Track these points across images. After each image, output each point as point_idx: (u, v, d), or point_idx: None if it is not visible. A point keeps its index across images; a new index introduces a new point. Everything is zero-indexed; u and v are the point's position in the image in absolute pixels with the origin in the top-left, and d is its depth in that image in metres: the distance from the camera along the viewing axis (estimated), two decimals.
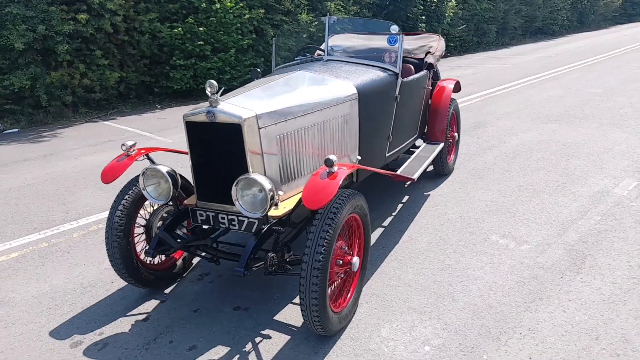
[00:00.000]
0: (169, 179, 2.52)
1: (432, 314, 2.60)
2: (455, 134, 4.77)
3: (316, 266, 2.14)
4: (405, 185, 4.54)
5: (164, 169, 2.54)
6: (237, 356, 2.36)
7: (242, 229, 2.53)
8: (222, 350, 2.41)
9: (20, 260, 3.48)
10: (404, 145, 3.92)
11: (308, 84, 2.97)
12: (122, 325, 2.66)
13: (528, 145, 5.55)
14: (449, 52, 18.19)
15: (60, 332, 2.63)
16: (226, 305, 2.80)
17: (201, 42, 10.97)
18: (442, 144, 4.30)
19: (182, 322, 2.66)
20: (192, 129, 2.51)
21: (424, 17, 16.03)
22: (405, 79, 3.64)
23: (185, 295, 2.92)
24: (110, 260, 2.70)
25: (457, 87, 4.77)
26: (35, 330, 2.66)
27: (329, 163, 2.26)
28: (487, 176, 4.63)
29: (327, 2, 13.49)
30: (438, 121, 4.32)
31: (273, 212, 2.44)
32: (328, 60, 3.60)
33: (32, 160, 6.16)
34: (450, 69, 13.78)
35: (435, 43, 4.42)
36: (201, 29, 10.94)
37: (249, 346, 2.43)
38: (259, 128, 2.42)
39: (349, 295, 2.59)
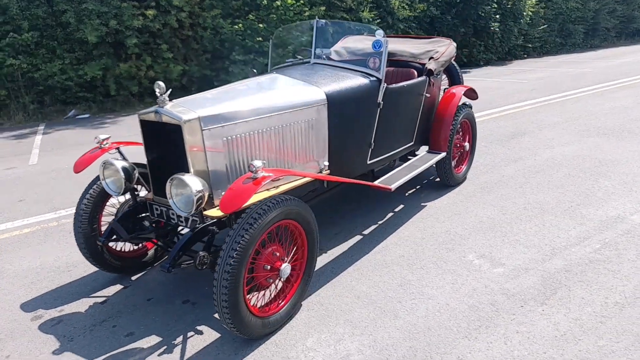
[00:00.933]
0: (122, 173, 2.68)
1: (366, 329, 2.53)
2: (466, 143, 4.53)
3: (227, 269, 2.17)
4: (407, 194, 4.40)
5: (118, 164, 2.70)
6: (164, 347, 2.47)
7: (188, 226, 2.63)
8: (153, 340, 2.53)
9: (29, 236, 3.86)
10: (394, 152, 3.80)
11: (273, 88, 3.00)
12: (81, 305, 2.88)
13: (559, 160, 5.13)
14: (526, 53, 17.11)
15: (28, 305, 2.90)
16: (178, 297, 2.92)
17: (260, 39, 11.29)
18: (443, 154, 4.12)
19: (132, 308, 2.83)
20: (145, 126, 2.65)
21: (497, 16, 15.19)
22: (393, 85, 3.54)
23: (146, 284, 3.09)
24: (77, 245, 2.92)
25: (472, 95, 4.53)
26: (11, 300, 2.96)
27: (252, 169, 2.28)
28: (497, 191, 4.36)
29: (391, 0, 13.25)
30: (442, 129, 4.13)
31: (212, 212, 2.51)
32: (314, 63, 3.59)
33: (88, 144, 6.73)
34: (517, 72, 13.00)
35: (443, 48, 4.22)
36: (261, 25, 11.26)
37: (179, 339, 2.53)
38: (202, 129, 2.49)
39: (283, 302, 2.59)
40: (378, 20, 13.11)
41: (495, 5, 15.02)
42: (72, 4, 9.57)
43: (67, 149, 6.67)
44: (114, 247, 3.09)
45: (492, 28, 14.90)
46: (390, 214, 3.98)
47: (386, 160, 3.78)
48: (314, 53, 3.65)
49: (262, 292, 2.58)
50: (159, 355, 2.41)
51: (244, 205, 2.27)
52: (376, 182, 3.45)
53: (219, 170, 2.61)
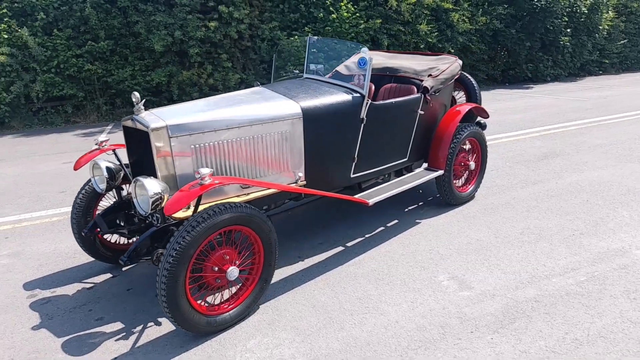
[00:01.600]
0: (105, 173, 2.98)
1: (308, 337, 2.61)
2: (472, 162, 4.42)
3: (166, 267, 2.36)
4: (405, 210, 4.38)
5: (104, 164, 3.01)
6: (123, 334, 2.71)
7: (158, 224, 2.86)
8: (117, 326, 2.78)
9: (55, 224, 4.33)
10: (384, 167, 3.83)
11: (251, 101, 3.18)
12: (71, 289, 3.21)
13: (583, 185, 4.83)
14: (603, 70, 15.98)
15: (30, 284, 3.29)
16: (153, 290, 3.17)
17: (314, 50, 11.57)
18: (440, 172, 4.07)
19: (111, 296, 3.11)
20: (126, 131, 2.93)
21: (569, 30, 14.37)
22: (380, 102, 3.59)
23: (131, 275, 3.38)
24: (73, 235, 3.27)
25: (482, 113, 4.43)
26: (17, 279, 3.37)
27: (197, 176, 2.47)
28: (500, 213, 4.22)
29: (451, 13, 13.03)
30: (440, 147, 4.08)
31: (177, 214, 2.72)
32: (305, 78, 3.72)
33: None
34: (584, 89, 12.22)
35: (445, 66, 4.17)
36: (316, 37, 11.56)
37: (138, 328, 2.76)
38: (170, 137, 2.72)
39: (234, 304, 2.74)
40: (436, 33, 12.94)
41: (567, 19, 14.23)
42: (143, 15, 10.43)
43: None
44: (108, 239, 3.40)
45: (561, 42, 14.12)
46: (380, 229, 4.00)
47: (374, 175, 3.81)
48: (307, 68, 3.78)
49: (220, 292, 2.76)
50: (115, 340, 2.65)
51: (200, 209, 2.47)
52: (356, 196, 3.51)
53: (186, 174, 2.82)
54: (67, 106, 10.54)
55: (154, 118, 2.73)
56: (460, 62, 4.40)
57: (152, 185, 2.57)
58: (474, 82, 4.90)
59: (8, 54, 9.63)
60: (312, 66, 3.77)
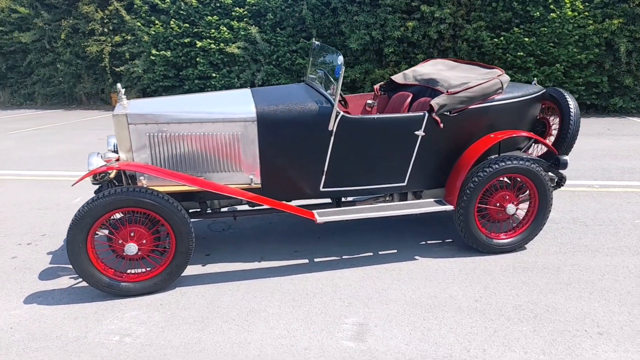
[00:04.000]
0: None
1: (176, 327, 2.77)
2: (510, 205, 3.47)
3: (69, 231, 2.90)
4: (421, 243, 3.81)
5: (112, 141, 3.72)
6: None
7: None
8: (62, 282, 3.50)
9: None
10: (371, 188, 3.43)
11: (217, 101, 3.39)
12: None
13: None
14: None
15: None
16: None
17: (521, 53, 10.30)
18: (448, 207, 3.39)
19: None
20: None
21: None
22: (355, 116, 3.24)
23: None
24: None
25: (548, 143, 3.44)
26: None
27: (104, 158, 2.90)
28: (522, 277, 3.24)
29: None
30: (455, 180, 3.39)
31: None
32: (303, 83, 3.62)
33: None
34: None
35: (476, 82, 3.33)
36: (527, 39, 10.23)
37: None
38: (128, 124, 3.22)
39: (140, 278, 3.09)
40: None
41: None
42: (348, 15, 11.22)
43: None
44: None
45: None
46: (367, 254, 3.64)
47: (359, 194, 3.48)
48: (309, 73, 3.68)
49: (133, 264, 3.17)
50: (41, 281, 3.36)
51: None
52: (316, 212, 3.32)
53: (142, 159, 3.27)
54: None
55: (121, 107, 3.26)
56: (505, 78, 3.47)
57: (95, 162, 3.13)
58: (571, 106, 3.77)
59: (242, 48, 11.83)
60: (320, 72, 3.65)
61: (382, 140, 3.33)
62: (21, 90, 14.23)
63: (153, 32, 12.02)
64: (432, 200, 3.55)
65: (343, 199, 3.73)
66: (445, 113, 3.34)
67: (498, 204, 3.51)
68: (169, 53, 12.02)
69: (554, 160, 3.66)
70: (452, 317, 2.81)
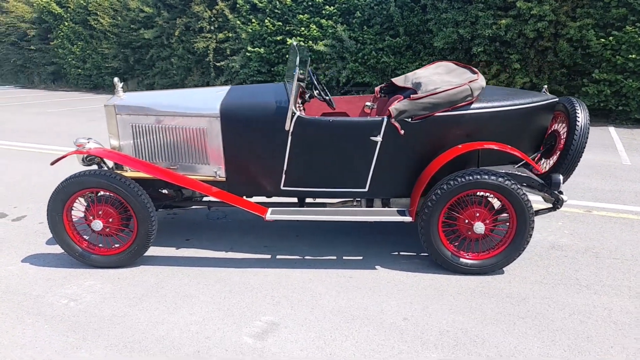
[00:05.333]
0: None
1: (115, 301, 3.08)
2: (478, 224, 3.12)
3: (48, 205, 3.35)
4: (392, 253, 3.63)
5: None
6: None
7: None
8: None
9: None
10: (332, 191, 3.37)
11: (191, 97, 3.61)
12: None
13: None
14: None
15: None
16: None
17: (634, 56, 8.98)
18: (406, 219, 3.19)
19: None
20: None
21: None
22: (311, 117, 3.19)
23: None
24: None
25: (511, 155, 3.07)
26: None
27: (76, 142, 3.29)
28: (481, 299, 2.94)
29: None
30: (416, 190, 3.18)
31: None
32: (282, 82, 3.65)
33: None
34: None
35: (446, 86, 3.02)
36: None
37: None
38: (116, 114, 3.60)
39: (112, 252, 3.45)
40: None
41: None
42: (436, 12, 10.79)
43: None
44: None
45: None
46: (331, 257, 3.58)
47: (321, 195, 3.44)
48: (289, 73, 3.69)
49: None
50: None
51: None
52: (270, 209, 3.37)
53: (127, 145, 3.64)
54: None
55: (113, 98, 3.65)
56: (476, 85, 3.11)
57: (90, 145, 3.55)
58: (579, 118, 3.28)
59: (329, 45, 12.06)
60: (293, 72, 3.66)
61: (340, 144, 3.26)
62: (144, 81, 16.13)
63: (250, 30, 12.79)
64: (395, 209, 3.37)
65: (315, 200, 3.72)
66: (407, 119, 3.14)
67: (467, 221, 3.21)
68: (262, 50, 12.70)
69: (547, 179, 3.24)
70: (367, 331, 2.68)
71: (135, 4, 14.80)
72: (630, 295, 2.99)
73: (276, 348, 2.55)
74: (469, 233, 3.24)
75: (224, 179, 3.51)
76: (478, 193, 3.20)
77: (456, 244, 3.31)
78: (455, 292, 3.07)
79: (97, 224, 3.40)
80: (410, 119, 3.15)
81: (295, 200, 3.76)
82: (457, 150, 3.12)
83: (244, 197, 3.52)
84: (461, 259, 3.25)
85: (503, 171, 3.15)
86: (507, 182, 3.05)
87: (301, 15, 12.20)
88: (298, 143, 3.29)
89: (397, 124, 3.13)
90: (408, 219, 3.23)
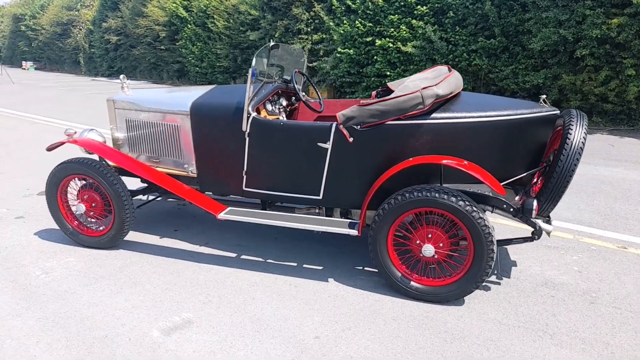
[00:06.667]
0: None
1: (81, 278, 3.37)
2: (429, 246, 2.74)
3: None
4: (365, 268, 3.39)
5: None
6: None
7: None
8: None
9: None
10: (289, 196, 3.24)
11: (172, 95, 3.77)
12: None
13: None
14: None
15: None
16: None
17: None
18: (351, 232, 2.96)
19: None
20: None
21: None
22: (263, 119, 3.11)
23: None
24: None
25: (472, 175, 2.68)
26: None
27: (65, 133, 3.63)
28: (400, 327, 2.61)
29: None
30: (364, 204, 2.91)
31: None
32: (256, 82, 3.59)
33: None
34: None
35: (405, 91, 2.68)
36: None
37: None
38: (115, 109, 3.91)
39: (94, 233, 3.75)
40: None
41: None
42: (537, 11, 9.75)
43: None
44: None
45: None
46: (292, 263, 3.47)
47: (280, 199, 3.34)
48: (263, 72, 3.64)
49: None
50: None
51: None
52: (225, 211, 3.36)
53: (123, 137, 3.93)
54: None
55: (122, 94, 3.96)
56: (428, 92, 2.69)
57: (88, 135, 3.92)
58: (570, 136, 2.73)
59: (418, 47, 11.61)
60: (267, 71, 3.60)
61: (292, 148, 3.14)
62: None
63: (342, 31, 12.84)
64: (347, 221, 3.14)
65: (282, 204, 3.63)
66: (355, 126, 2.91)
67: (418, 242, 2.87)
68: (352, 51, 12.67)
69: (529, 196, 2.77)
70: (270, 344, 2.56)
71: (245, 7, 15.77)
72: (600, 355, 2.42)
73: (174, 345, 2.57)
74: (421, 255, 2.90)
75: (195, 175, 3.61)
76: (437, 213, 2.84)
77: (409, 265, 2.98)
78: (390, 318, 2.77)
79: (80, 207, 3.72)
80: (359, 126, 2.91)
81: None
82: (406, 162, 2.80)
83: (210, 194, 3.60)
84: (412, 283, 2.92)
85: (459, 190, 2.75)
86: (460, 202, 2.66)
87: (392, 16, 11.92)
88: (255, 144, 3.25)
89: (344, 131, 2.92)
90: (354, 232, 2.99)
